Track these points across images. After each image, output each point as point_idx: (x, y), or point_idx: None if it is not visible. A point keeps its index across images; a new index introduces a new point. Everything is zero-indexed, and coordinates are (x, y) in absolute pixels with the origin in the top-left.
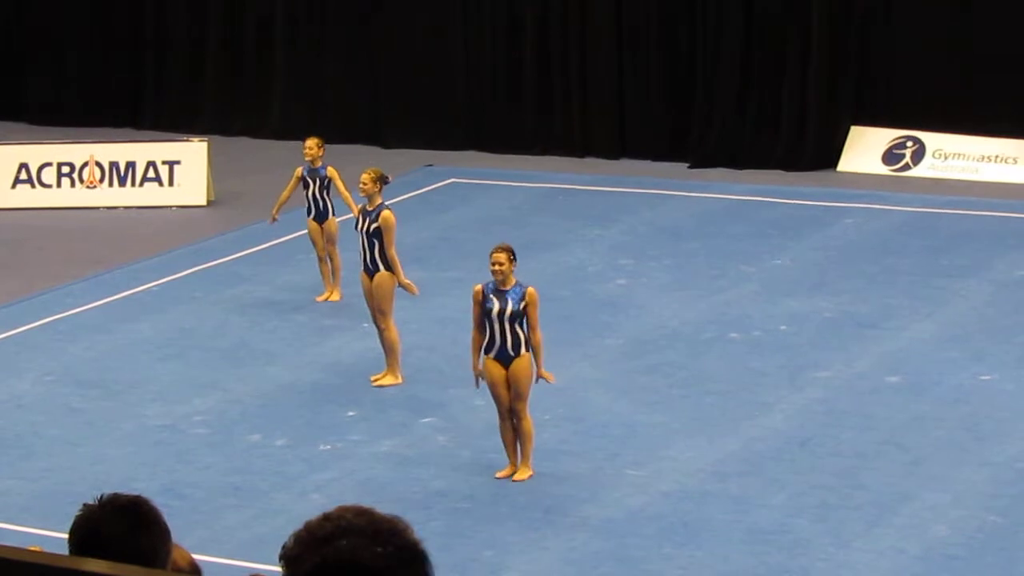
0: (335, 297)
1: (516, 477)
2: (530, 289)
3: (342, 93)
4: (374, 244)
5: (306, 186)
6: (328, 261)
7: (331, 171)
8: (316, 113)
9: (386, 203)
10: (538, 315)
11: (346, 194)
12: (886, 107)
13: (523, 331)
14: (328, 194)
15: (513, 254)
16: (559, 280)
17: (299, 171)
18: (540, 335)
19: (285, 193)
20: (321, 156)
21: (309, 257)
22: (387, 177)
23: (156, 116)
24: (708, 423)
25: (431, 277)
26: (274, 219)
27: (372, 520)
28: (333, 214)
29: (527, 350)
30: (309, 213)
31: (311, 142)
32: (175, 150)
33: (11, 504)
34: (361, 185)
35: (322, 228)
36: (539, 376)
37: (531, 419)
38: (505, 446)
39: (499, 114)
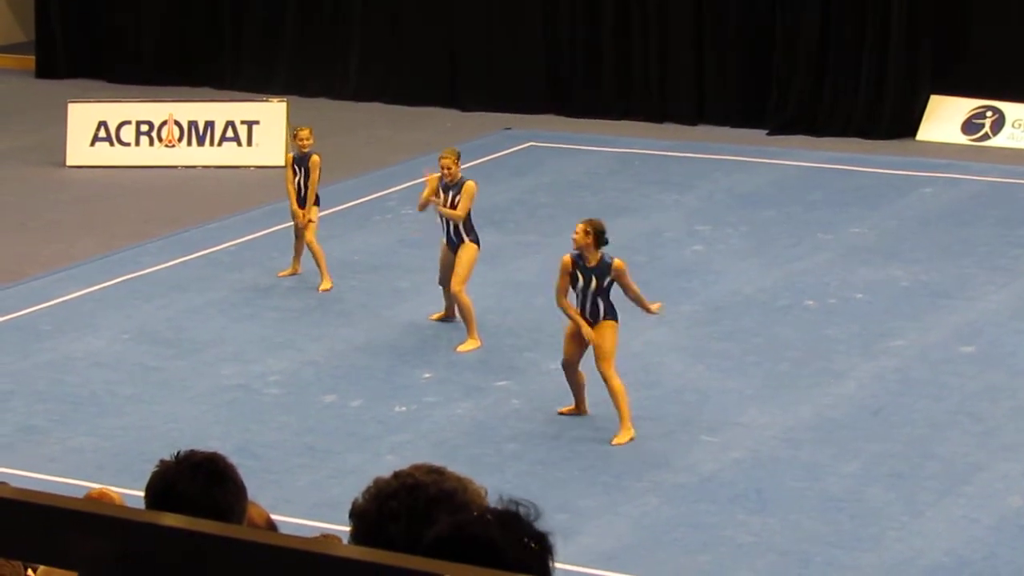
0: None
1: (615, 440)
2: (617, 261)
3: (420, 55)
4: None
5: (295, 173)
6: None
7: (314, 159)
8: (393, 75)
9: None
10: (629, 280)
11: (314, 187)
12: (966, 76)
13: (604, 301)
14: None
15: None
16: (635, 245)
17: (289, 157)
18: (637, 289)
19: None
20: (311, 144)
21: (386, 218)
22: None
23: (234, 76)
24: (782, 390)
25: (507, 241)
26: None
27: (441, 484)
28: (313, 203)
29: (607, 317)
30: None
31: (304, 132)
32: (254, 110)
33: (85, 461)
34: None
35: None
36: (651, 312)
37: (619, 379)
38: (570, 386)
39: (578, 78)
